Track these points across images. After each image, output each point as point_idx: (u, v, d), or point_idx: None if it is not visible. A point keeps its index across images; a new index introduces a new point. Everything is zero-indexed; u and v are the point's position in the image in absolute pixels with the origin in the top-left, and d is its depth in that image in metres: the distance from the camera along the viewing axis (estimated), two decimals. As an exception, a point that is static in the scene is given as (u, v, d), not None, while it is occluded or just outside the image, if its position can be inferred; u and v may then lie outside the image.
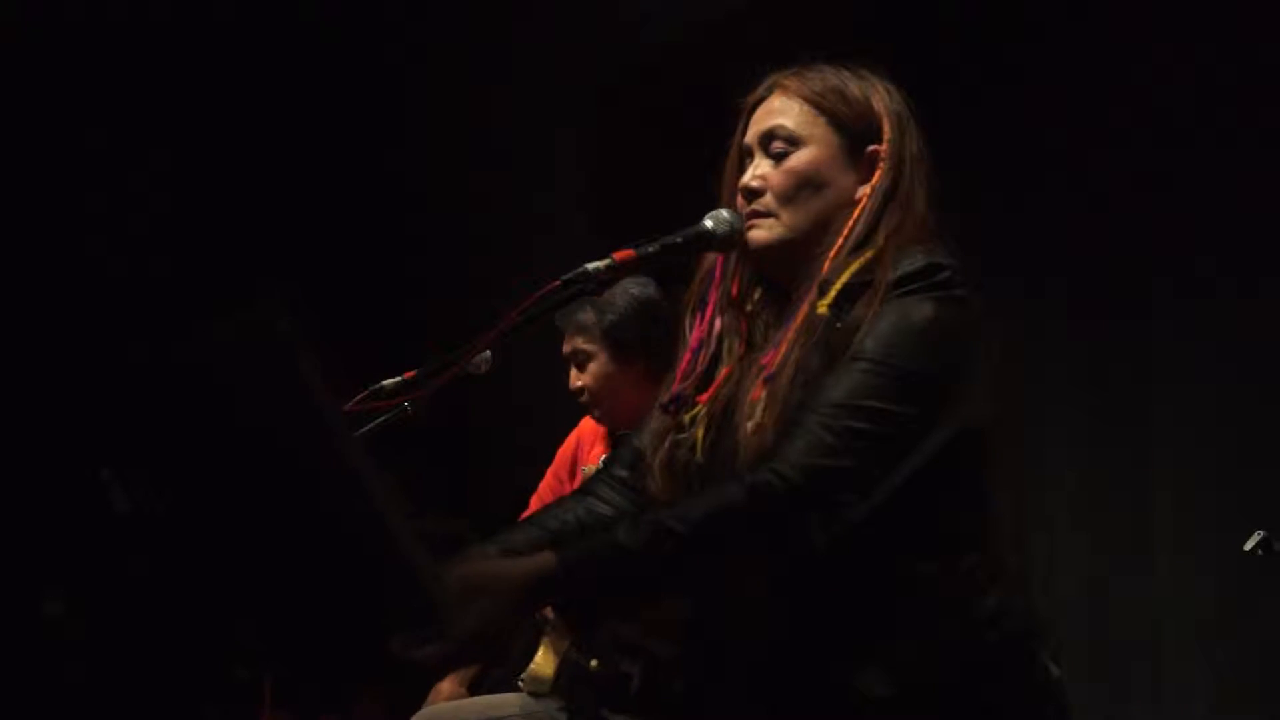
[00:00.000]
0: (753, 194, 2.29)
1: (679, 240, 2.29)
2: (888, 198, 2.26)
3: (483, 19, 5.34)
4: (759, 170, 2.30)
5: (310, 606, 1.88)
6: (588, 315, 3.51)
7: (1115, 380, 4.28)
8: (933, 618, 2.14)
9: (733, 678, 2.19)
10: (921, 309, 2.14)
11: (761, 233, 2.29)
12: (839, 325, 2.15)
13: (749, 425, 2.17)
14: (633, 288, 3.48)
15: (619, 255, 2.25)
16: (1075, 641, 4.05)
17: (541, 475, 3.75)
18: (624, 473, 2.41)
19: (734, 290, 2.35)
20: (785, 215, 2.28)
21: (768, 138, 2.30)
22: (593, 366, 3.53)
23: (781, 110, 2.31)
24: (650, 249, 2.27)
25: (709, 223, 2.31)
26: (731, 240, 2.31)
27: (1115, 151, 4.25)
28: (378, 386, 2.33)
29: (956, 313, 2.16)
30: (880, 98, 2.31)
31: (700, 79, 4.72)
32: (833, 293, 2.18)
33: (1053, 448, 4.34)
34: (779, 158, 2.29)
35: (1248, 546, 3.19)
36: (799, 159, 2.28)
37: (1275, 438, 3.96)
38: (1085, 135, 4.30)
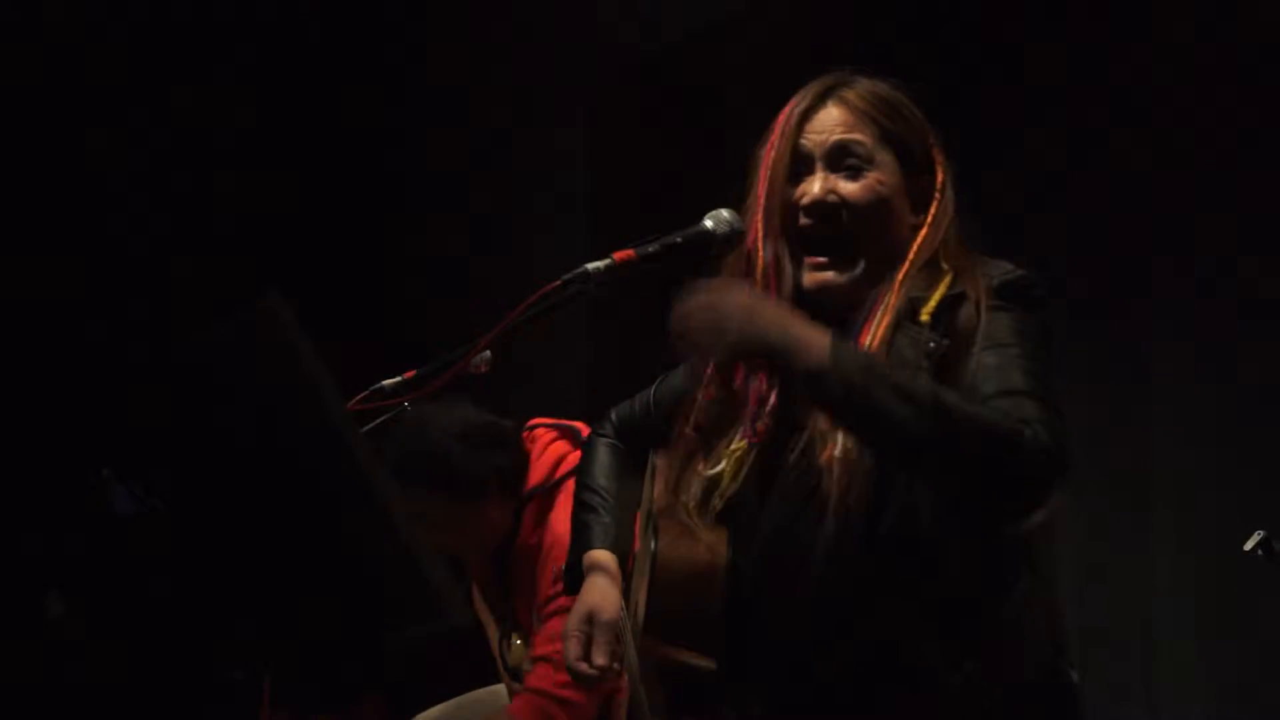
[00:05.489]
0: (826, 212, 2.20)
1: (679, 240, 2.28)
2: (946, 226, 2.24)
3: (483, 19, 5.35)
4: (833, 185, 2.20)
5: (311, 606, 1.88)
6: (417, 472, 3.12)
7: (1115, 380, 4.27)
8: (993, 612, 2.14)
9: (796, 684, 2.18)
10: (1032, 334, 2.14)
11: (836, 276, 2.20)
12: (930, 346, 2.11)
13: (834, 452, 2.12)
14: (438, 426, 3.15)
15: (619, 255, 2.25)
16: (1073, 641, 4.04)
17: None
18: (615, 439, 2.54)
19: None
20: (862, 245, 2.20)
21: (840, 151, 2.21)
22: (448, 524, 3.17)
23: (852, 125, 2.22)
24: (650, 249, 2.27)
25: (709, 223, 2.30)
26: (731, 240, 2.29)
27: (1115, 151, 4.25)
28: (378, 386, 2.34)
29: (1053, 333, 2.18)
30: (926, 123, 2.27)
31: (700, 79, 4.74)
32: (933, 303, 2.14)
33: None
34: (854, 174, 2.21)
35: (1248, 547, 3.19)
36: (878, 179, 2.21)
37: (1275, 438, 3.96)
38: (1085, 135, 4.30)
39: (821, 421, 2.14)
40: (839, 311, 2.20)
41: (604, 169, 5.25)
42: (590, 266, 2.23)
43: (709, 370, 2.29)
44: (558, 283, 2.21)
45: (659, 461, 2.40)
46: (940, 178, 2.26)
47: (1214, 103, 4.09)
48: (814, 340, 2.01)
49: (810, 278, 2.21)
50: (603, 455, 2.53)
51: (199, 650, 2.04)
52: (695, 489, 2.25)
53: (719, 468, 2.25)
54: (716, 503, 2.23)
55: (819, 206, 2.20)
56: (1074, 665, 2.26)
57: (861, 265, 2.20)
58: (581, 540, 2.45)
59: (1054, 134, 4.34)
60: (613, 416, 2.57)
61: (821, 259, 2.21)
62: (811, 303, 2.21)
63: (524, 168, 5.38)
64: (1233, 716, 3.99)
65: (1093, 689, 4.01)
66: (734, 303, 2.07)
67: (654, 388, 2.53)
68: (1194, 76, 4.13)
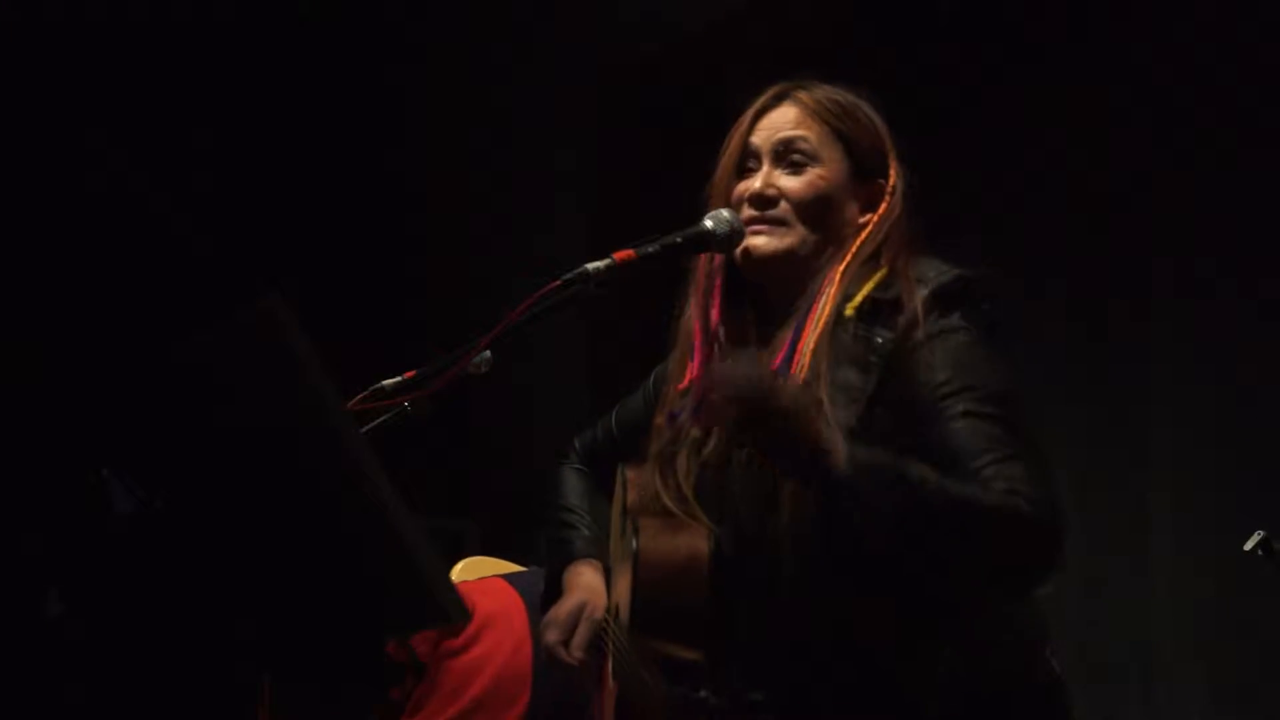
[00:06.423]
0: (765, 202, 2.29)
1: (679, 240, 2.30)
2: (893, 226, 2.28)
3: (483, 19, 5.34)
4: (774, 179, 2.28)
5: (312, 606, 1.88)
6: None
7: (1114, 380, 4.28)
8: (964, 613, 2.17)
9: (779, 676, 2.19)
10: (980, 336, 2.16)
11: (770, 240, 2.28)
12: (878, 342, 2.16)
13: None
14: None
15: (619, 255, 2.26)
16: (1072, 642, 4.05)
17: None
18: (584, 466, 2.56)
19: (724, 304, 2.36)
20: (799, 227, 2.28)
21: (785, 148, 2.29)
22: None
23: (798, 124, 2.30)
24: (650, 249, 2.28)
25: (709, 223, 2.31)
26: (732, 240, 2.31)
27: (1115, 151, 4.26)
28: (378, 386, 2.34)
29: (997, 324, 2.20)
30: (884, 129, 2.33)
31: (700, 79, 4.74)
32: (859, 299, 2.19)
33: (1051, 448, 4.34)
34: (796, 169, 2.29)
35: (1248, 547, 3.18)
36: (819, 175, 2.28)
37: (1273, 438, 3.96)
38: (1085, 135, 4.30)
39: None
40: (772, 288, 2.28)
41: (604, 169, 5.25)
42: (590, 266, 2.24)
43: (693, 361, 2.32)
44: (558, 283, 2.22)
45: (629, 473, 2.42)
46: (892, 181, 2.28)
47: (1214, 103, 4.10)
48: (832, 448, 2.01)
49: (746, 244, 2.28)
50: (571, 479, 2.58)
51: (199, 651, 2.04)
52: (668, 475, 2.30)
53: (679, 448, 2.29)
54: (686, 489, 2.25)
55: (759, 198, 2.28)
56: (1054, 654, 2.27)
57: (797, 238, 2.27)
58: (563, 553, 2.48)
59: (1054, 134, 4.34)
60: (576, 445, 2.63)
61: (757, 227, 2.28)
62: (755, 285, 2.30)
63: (524, 168, 5.38)
64: (1230, 717, 3.99)
65: (1091, 690, 4.03)
66: (778, 399, 2.00)
67: (614, 413, 2.58)
68: (1194, 76, 4.13)
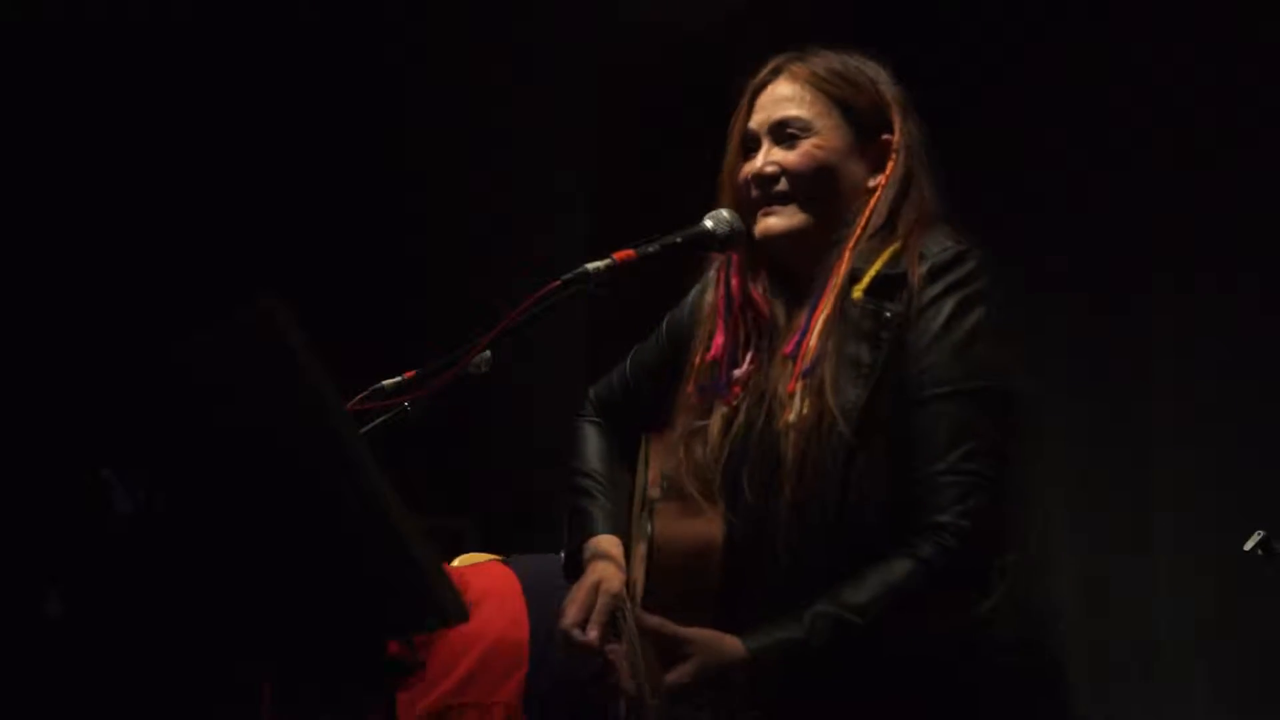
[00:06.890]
0: (767, 181, 2.30)
1: (679, 240, 2.31)
2: (903, 187, 2.29)
3: (483, 19, 5.34)
4: (772, 156, 2.30)
5: (311, 606, 1.88)
6: None
7: (1115, 378, 4.28)
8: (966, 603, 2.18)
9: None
10: (967, 317, 2.18)
11: (778, 220, 2.30)
12: (886, 315, 2.17)
13: (789, 417, 2.19)
14: None
15: (619, 255, 2.27)
16: (1073, 641, 4.05)
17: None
18: (600, 418, 2.57)
19: (748, 282, 2.36)
20: (802, 201, 2.30)
21: (780, 126, 2.32)
22: None
23: (792, 98, 2.33)
24: (650, 249, 2.29)
25: (709, 223, 2.32)
26: (731, 240, 2.32)
27: (1116, 150, 4.25)
28: (378, 386, 2.34)
29: (991, 305, 2.22)
30: (886, 84, 2.34)
31: (700, 79, 4.73)
32: (867, 279, 2.21)
33: (1052, 445, 4.34)
34: (792, 144, 2.30)
35: (1247, 546, 3.18)
36: (815, 144, 2.31)
37: (1276, 437, 3.96)
38: (1085, 135, 4.30)
39: (781, 386, 2.19)
40: (793, 264, 2.32)
41: (604, 169, 5.25)
42: (590, 266, 2.25)
43: (717, 335, 2.33)
44: (557, 283, 2.23)
45: (652, 446, 2.43)
46: (897, 138, 2.29)
47: (1214, 102, 4.09)
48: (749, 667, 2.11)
49: (757, 227, 2.31)
50: (591, 438, 2.58)
51: (199, 652, 2.04)
52: (695, 450, 2.31)
53: (706, 423, 2.32)
54: (711, 468, 2.27)
55: (760, 177, 2.31)
56: (1061, 649, 2.29)
57: (806, 216, 2.29)
58: (583, 527, 2.48)
59: (1054, 134, 4.34)
60: (592, 396, 2.62)
61: (766, 208, 2.32)
62: (775, 267, 2.34)
63: (524, 168, 5.38)
64: (1232, 717, 3.99)
65: (1092, 689, 4.03)
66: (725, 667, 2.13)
67: (628, 362, 2.58)
68: (1194, 76, 4.13)
